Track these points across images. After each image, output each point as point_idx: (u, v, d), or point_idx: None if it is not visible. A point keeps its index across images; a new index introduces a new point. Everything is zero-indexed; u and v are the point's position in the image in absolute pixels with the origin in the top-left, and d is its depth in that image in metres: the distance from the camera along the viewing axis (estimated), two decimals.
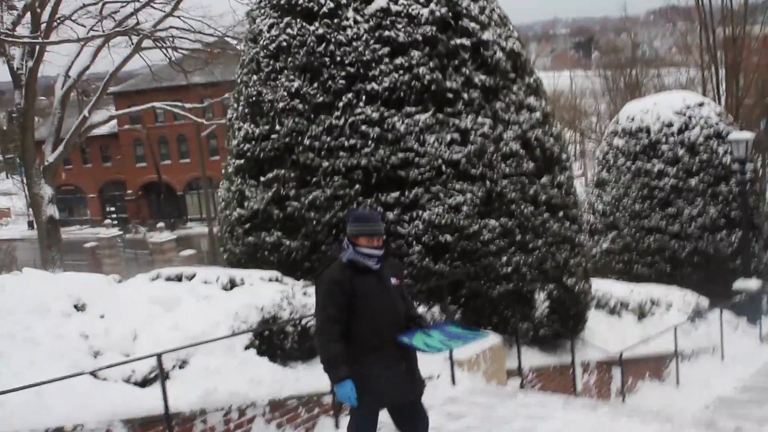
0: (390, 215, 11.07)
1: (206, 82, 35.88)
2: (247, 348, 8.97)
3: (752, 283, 19.08)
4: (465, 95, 11.49)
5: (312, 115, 11.38)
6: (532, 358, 12.19)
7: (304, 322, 9.68)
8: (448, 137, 11.30)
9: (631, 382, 14.07)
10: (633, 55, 59.22)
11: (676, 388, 14.37)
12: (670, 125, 20.88)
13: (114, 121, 53.96)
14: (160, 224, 52.05)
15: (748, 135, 19.63)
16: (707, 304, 18.45)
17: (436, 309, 11.49)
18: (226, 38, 30.11)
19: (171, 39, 29.37)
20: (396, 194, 11.12)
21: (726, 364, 15.72)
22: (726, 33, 37.81)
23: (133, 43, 28.70)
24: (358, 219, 6.28)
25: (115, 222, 58.94)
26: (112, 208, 70.24)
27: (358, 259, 6.14)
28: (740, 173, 19.20)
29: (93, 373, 7.52)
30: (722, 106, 30.56)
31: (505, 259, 11.50)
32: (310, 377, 9.17)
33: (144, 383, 8.05)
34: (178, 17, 28.52)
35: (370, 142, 11.12)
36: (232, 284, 9.97)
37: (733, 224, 20.18)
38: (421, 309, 11.72)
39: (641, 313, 16.23)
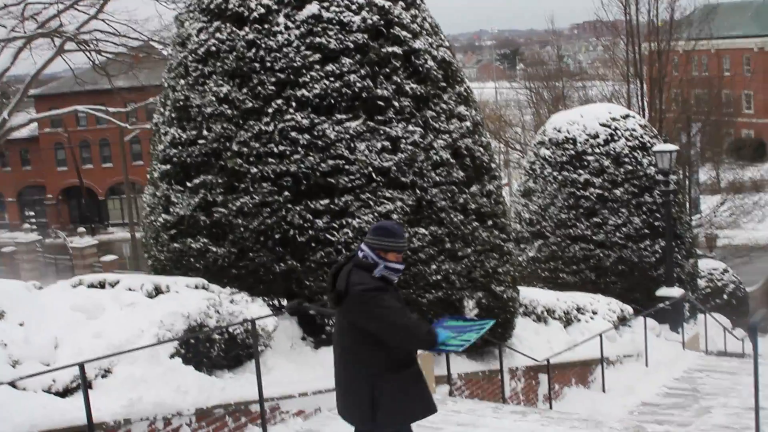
0: (319, 222, 10.98)
1: (130, 87, 35.31)
2: (172, 356, 8.81)
3: (675, 291, 19.38)
4: (396, 103, 11.45)
5: (241, 121, 11.23)
6: (461, 365, 12.20)
7: (231, 330, 9.55)
8: (379, 145, 11.25)
9: (558, 388, 14.18)
10: (558, 67, 60.02)
11: (602, 394, 14.51)
12: (596, 136, 21.12)
13: (34, 125, 52.81)
14: (81, 229, 50.93)
15: (672, 147, 19.97)
16: (631, 311, 18.71)
17: None
18: (151, 42, 29.70)
19: (95, 42, 28.88)
20: (326, 201, 11.03)
21: (650, 370, 15.94)
22: (651, 48, 38.59)
23: (55, 46, 28.13)
24: (389, 234, 6.08)
25: (35, 227, 57.58)
26: (32, 213, 68.64)
27: (388, 274, 6.06)
28: (664, 184, 19.51)
29: (12, 383, 7.28)
30: (645, 119, 31.11)
31: (434, 267, 11.49)
32: (237, 386, 9.06)
33: (65, 393, 7.85)
34: (103, 20, 28.06)
35: (299, 148, 11.01)
36: (157, 291, 9.77)
37: (657, 234, 20.48)
38: None
39: (567, 321, 16.38)
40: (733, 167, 48.41)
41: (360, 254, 6.07)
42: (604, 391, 14.67)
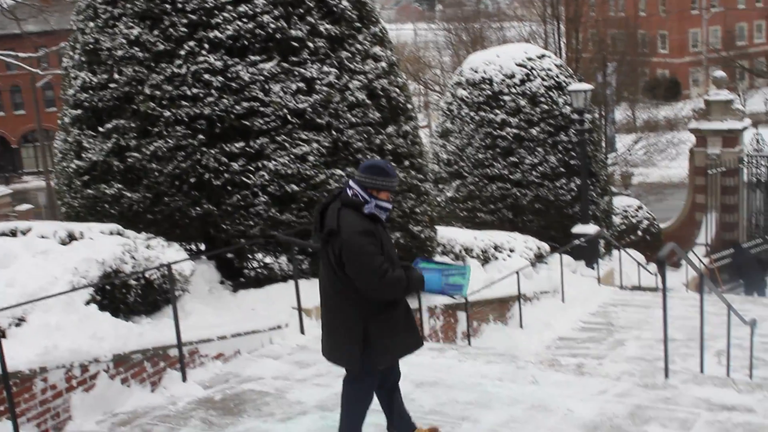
0: (235, 165, 10.91)
1: (41, 31, 34.44)
2: (88, 303, 8.73)
3: (590, 228, 19.78)
4: (310, 44, 11.37)
5: (152, 64, 11.05)
6: None
7: (147, 275, 9.49)
8: (294, 86, 11.19)
9: (477, 325, 14.41)
10: (476, 8, 60.06)
11: (520, 330, 14.79)
12: (512, 76, 21.27)
13: None
14: None
15: (586, 86, 20.18)
16: (548, 248, 19.04)
17: (283, 259, 11.46)
18: None
19: None
20: (241, 144, 10.96)
21: (566, 305, 16.27)
22: None
23: None
24: (384, 173, 5.98)
25: None
26: None
27: (378, 212, 5.98)
28: (579, 123, 19.79)
29: None
30: (562, 59, 31.36)
31: None
32: (155, 331, 9.03)
33: None
34: None
35: (213, 91, 10.89)
36: (70, 238, 9.64)
37: (573, 172, 20.81)
38: (268, 260, 11.67)
39: (485, 259, 16.60)
40: (648, 106, 49.04)
41: (349, 192, 5.96)
42: (521, 327, 14.95)
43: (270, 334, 10.01)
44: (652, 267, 22.55)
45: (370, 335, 5.95)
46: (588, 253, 19.64)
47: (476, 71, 21.72)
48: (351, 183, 6.01)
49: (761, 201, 28.87)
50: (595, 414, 7.49)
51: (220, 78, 10.90)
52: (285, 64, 11.18)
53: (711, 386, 8.05)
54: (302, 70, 11.26)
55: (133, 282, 9.40)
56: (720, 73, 30.05)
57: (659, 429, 7.09)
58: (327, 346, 6.24)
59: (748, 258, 25.96)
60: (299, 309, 10.26)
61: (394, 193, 6.14)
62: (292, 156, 11.08)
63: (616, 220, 25.51)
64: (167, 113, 10.92)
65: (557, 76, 21.46)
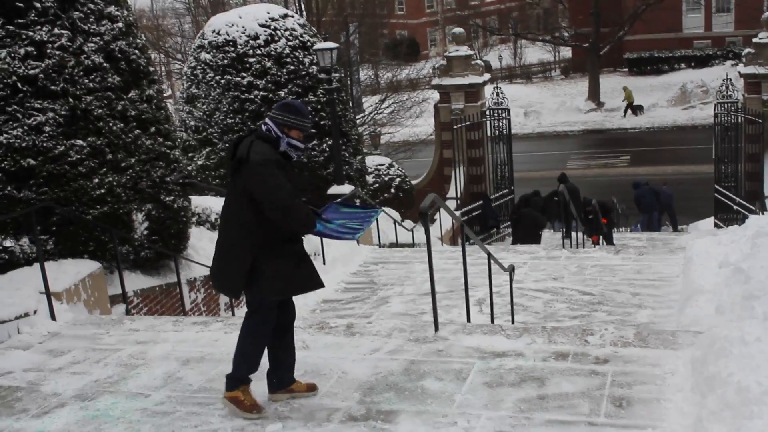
0: None
1: None
2: None
3: (345, 188, 19.72)
4: (37, 4, 10.44)
5: None
6: (136, 281, 11.65)
7: None
8: (22, 51, 10.25)
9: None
10: None
11: None
12: (256, 38, 20.77)
13: None
14: None
15: (332, 45, 19.96)
16: None
17: (25, 240, 10.53)
18: None
19: None
20: None
21: (327, 267, 16.06)
22: None
23: None
24: (295, 111, 6.25)
25: None
26: None
27: (289, 150, 6.23)
28: (327, 83, 19.61)
29: None
30: (305, 19, 31.14)
31: (97, 180, 10.75)
32: None
33: None
34: None
35: None
36: None
37: (324, 133, 20.65)
38: (7, 243, 10.69)
39: None
40: (391, 66, 49.89)
41: (264, 128, 6.23)
42: None
43: (17, 323, 9.14)
44: (408, 223, 22.92)
45: (260, 266, 6.15)
46: None
47: (219, 33, 21.05)
48: (267, 120, 6.27)
49: (505, 152, 30.02)
50: (370, 373, 7.33)
51: None
52: (10, 27, 10.20)
53: (480, 334, 8.06)
54: (30, 33, 10.32)
55: None
56: (459, 30, 30.78)
57: (435, 382, 7.01)
58: (216, 274, 6.53)
59: (496, 209, 26.88)
60: (48, 293, 9.45)
61: (306, 134, 6.30)
62: (26, 127, 10.16)
63: (369, 179, 25.68)
64: None
65: (302, 36, 21.18)
